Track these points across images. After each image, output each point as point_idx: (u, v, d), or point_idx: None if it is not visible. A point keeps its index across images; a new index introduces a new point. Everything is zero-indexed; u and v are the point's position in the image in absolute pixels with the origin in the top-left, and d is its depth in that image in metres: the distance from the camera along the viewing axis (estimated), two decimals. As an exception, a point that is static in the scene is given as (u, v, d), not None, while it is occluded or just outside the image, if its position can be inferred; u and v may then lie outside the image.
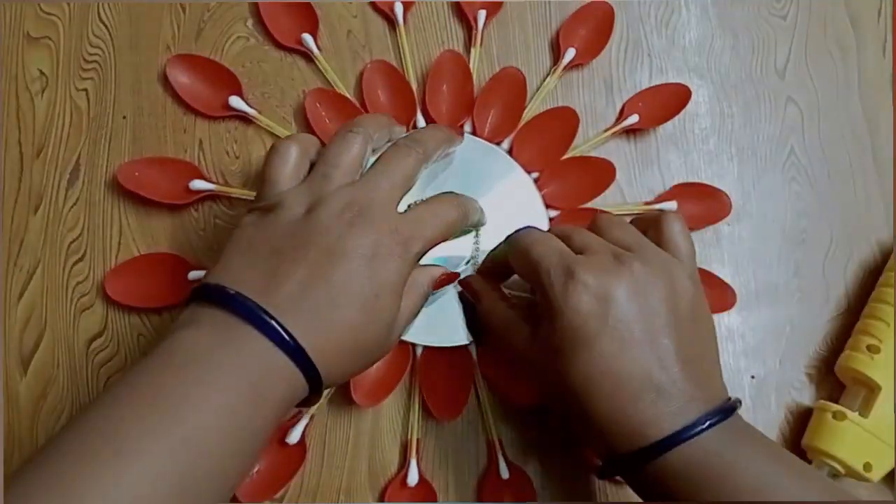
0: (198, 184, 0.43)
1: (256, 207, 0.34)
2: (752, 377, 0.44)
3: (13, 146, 0.44)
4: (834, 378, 0.44)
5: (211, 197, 0.44)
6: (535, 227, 0.37)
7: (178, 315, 0.42)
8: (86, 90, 0.45)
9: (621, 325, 0.31)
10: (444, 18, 0.48)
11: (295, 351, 0.29)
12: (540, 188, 0.45)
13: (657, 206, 0.45)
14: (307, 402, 0.31)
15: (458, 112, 0.46)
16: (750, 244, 0.46)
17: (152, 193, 0.43)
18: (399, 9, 0.46)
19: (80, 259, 0.43)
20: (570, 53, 0.47)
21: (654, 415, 0.30)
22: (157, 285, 0.42)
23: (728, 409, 0.31)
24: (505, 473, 0.40)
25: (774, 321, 0.45)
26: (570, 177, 0.45)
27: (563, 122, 0.45)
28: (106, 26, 0.46)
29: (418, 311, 0.37)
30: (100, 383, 0.41)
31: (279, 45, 0.46)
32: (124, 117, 0.45)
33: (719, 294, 0.45)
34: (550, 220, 0.44)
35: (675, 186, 0.46)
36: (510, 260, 0.37)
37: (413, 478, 0.40)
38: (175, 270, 0.42)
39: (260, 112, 0.45)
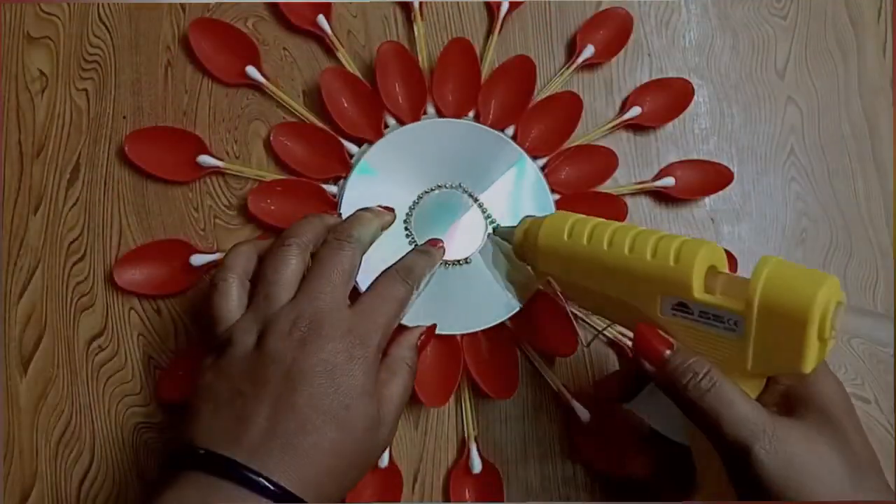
0: (205, 159, 0.43)
1: (211, 349, 0.33)
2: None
3: (13, 146, 0.44)
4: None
5: (211, 195, 0.44)
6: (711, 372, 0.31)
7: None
8: (86, 90, 0.45)
9: None
10: (458, 8, 0.48)
11: (278, 495, 0.28)
12: (547, 176, 0.45)
13: (656, 184, 0.46)
14: None
15: (464, 101, 0.46)
16: (750, 244, 0.46)
17: (157, 169, 0.43)
18: None
19: (80, 259, 0.43)
20: (588, 50, 0.47)
21: None
22: (165, 272, 0.42)
23: None
24: (477, 468, 0.40)
25: (774, 321, 0.45)
26: (574, 165, 0.46)
27: (567, 106, 0.46)
28: (106, 26, 0.46)
29: (411, 387, 0.35)
30: (100, 383, 0.41)
31: (280, 44, 0.46)
32: (124, 117, 0.45)
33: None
34: (556, 203, 0.45)
35: (672, 164, 0.47)
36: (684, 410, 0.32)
37: (383, 461, 0.40)
38: (181, 256, 0.42)
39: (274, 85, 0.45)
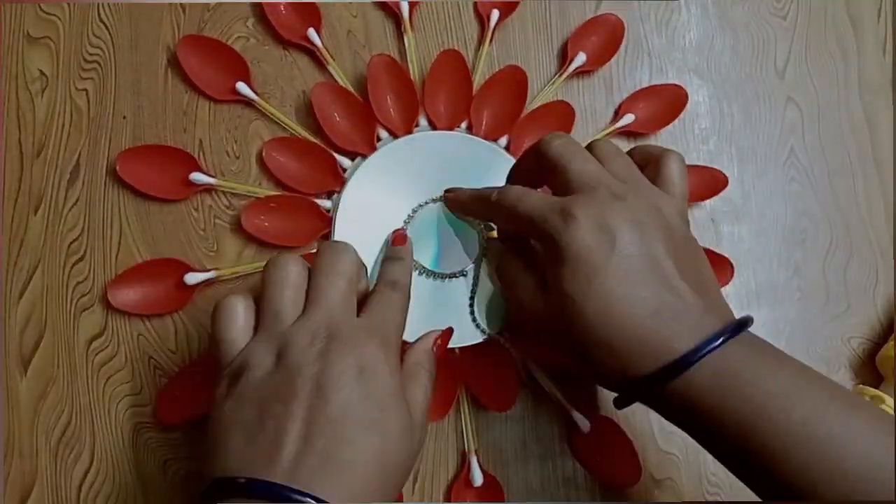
0: (198, 176, 0.43)
1: (223, 376, 0.32)
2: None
3: (13, 146, 0.44)
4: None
5: (211, 195, 0.44)
6: (507, 186, 0.37)
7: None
8: (86, 90, 0.45)
9: (625, 254, 0.32)
10: (449, 17, 0.48)
11: None
12: None
13: None
14: None
15: (456, 113, 0.46)
16: (750, 244, 0.46)
17: (149, 188, 0.43)
18: (405, 8, 0.46)
19: (80, 259, 0.43)
20: (580, 58, 0.47)
21: (671, 332, 0.31)
22: (160, 291, 0.42)
23: (742, 324, 0.31)
24: (478, 481, 0.40)
25: (774, 321, 0.45)
26: None
27: (559, 115, 0.46)
28: (106, 26, 0.46)
29: (431, 392, 0.35)
30: (100, 383, 0.41)
31: (280, 44, 0.46)
32: (124, 117, 0.45)
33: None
34: None
35: None
36: (497, 223, 0.38)
37: None
38: (177, 275, 0.42)
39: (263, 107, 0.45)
